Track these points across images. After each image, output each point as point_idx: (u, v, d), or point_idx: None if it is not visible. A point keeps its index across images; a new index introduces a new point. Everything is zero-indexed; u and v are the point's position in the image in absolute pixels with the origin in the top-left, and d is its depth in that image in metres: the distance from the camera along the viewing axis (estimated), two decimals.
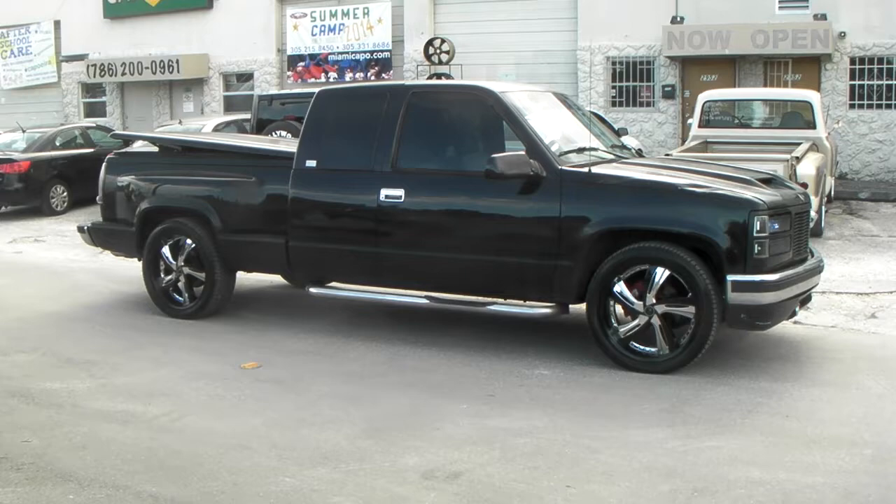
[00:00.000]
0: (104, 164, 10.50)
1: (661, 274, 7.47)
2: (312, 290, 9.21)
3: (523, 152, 7.91)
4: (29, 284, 12.15)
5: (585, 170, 7.85)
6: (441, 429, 6.30)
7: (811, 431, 6.16)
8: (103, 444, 6.08)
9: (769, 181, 8.29)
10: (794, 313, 7.92)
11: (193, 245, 9.62)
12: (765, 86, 22.13)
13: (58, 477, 5.52)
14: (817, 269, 8.21)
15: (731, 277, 7.25)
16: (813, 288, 8.21)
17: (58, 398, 7.08)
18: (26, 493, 5.29)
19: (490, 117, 8.49)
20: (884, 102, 21.77)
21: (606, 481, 5.38)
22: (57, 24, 32.21)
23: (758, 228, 7.23)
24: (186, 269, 9.73)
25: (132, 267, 10.99)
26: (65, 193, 20.72)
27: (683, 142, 19.58)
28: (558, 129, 8.73)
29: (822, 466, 5.55)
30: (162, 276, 9.88)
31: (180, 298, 9.83)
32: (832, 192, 16.67)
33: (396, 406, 6.85)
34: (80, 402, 7.00)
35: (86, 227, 10.70)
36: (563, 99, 9.74)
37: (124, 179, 10.19)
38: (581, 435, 6.13)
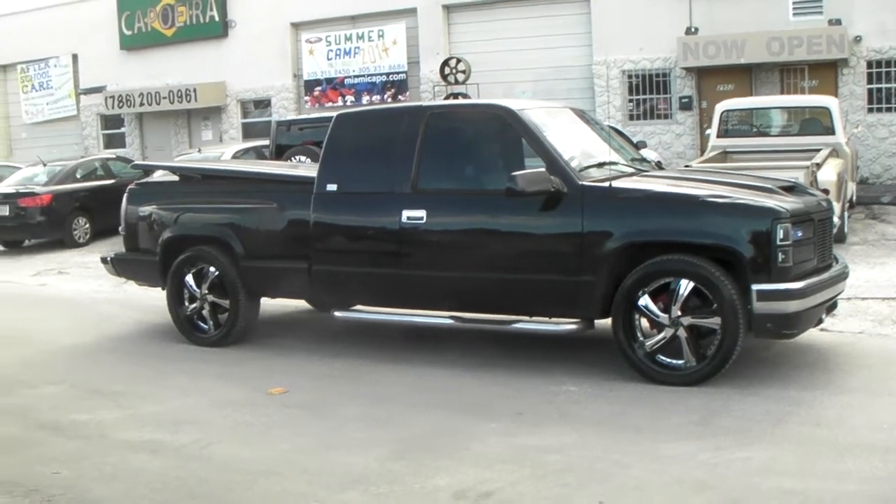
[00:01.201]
0: (125, 195, 10.54)
1: (686, 286, 7.44)
2: (337, 313, 9.21)
3: (543, 169, 7.91)
4: (54, 317, 12.20)
5: (606, 184, 7.83)
6: (470, 448, 6.28)
7: (843, 439, 6.11)
8: (132, 473, 6.09)
9: (791, 189, 8.24)
10: (820, 321, 7.87)
11: (217, 272, 9.64)
12: (781, 93, 22.05)
13: None
14: (842, 276, 8.17)
15: (755, 287, 7.21)
16: (839, 294, 8.16)
17: (86, 429, 7.10)
18: None
19: (509, 135, 8.47)
20: None
21: (638, 496, 5.35)
22: (75, 57, 32.46)
23: (781, 237, 7.20)
24: (210, 297, 9.74)
25: (156, 296, 11.01)
26: (87, 225, 20.83)
27: (702, 152, 19.53)
28: (577, 145, 8.71)
29: (856, 474, 5.50)
30: (186, 304, 9.90)
31: (205, 326, 9.85)
32: (854, 198, 16.58)
33: (424, 427, 6.84)
34: (108, 432, 7.01)
35: (109, 258, 10.75)
36: (581, 114, 9.74)
37: (146, 209, 10.24)
38: (611, 450, 6.11)
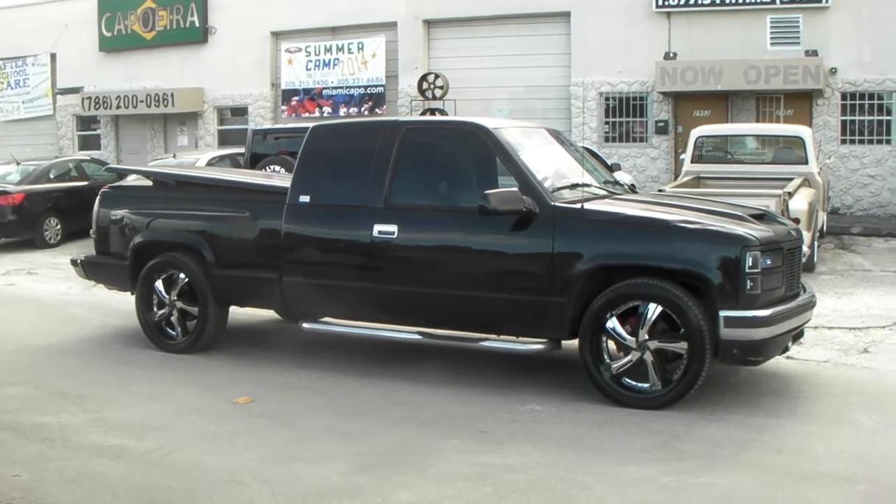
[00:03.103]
0: (98, 198, 10.51)
1: (654, 310, 7.47)
2: (305, 325, 9.19)
3: (516, 188, 7.94)
4: (22, 317, 12.12)
5: (578, 206, 7.87)
6: (433, 465, 6.29)
7: (804, 468, 6.16)
8: (94, 478, 6.07)
9: (761, 217, 8.31)
10: (786, 348, 7.93)
11: (186, 279, 9.62)
12: (757, 121, 22.25)
13: None
14: (810, 305, 8.23)
15: (723, 313, 7.26)
16: (805, 323, 8.21)
17: (49, 432, 7.06)
18: None
19: (483, 153, 8.47)
20: (875, 138, 21.91)
21: None
22: (53, 56, 32.30)
23: (750, 264, 7.25)
24: (179, 304, 9.72)
25: (125, 300, 10.97)
26: (58, 226, 20.71)
27: (676, 177, 19.61)
28: (551, 166, 8.76)
29: (816, 503, 5.53)
30: (155, 309, 9.87)
31: (173, 332, 9.81)
32: (824, 227, 16.70)
33: (389, 442, 6.84)
34: (71, 436, 6.98)
35: (79, 261, 10.70)
36: (557, 135, 9.78)
37: (118, 213, 10.21)
38: (574, 471, 6.12)
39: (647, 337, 7.51)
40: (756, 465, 6.22)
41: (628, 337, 7.58)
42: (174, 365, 9.25)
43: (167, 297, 9.76)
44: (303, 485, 5.92)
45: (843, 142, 22.06)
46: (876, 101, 21.87)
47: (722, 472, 6.11)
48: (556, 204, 7.93)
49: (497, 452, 6.53)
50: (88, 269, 10.64)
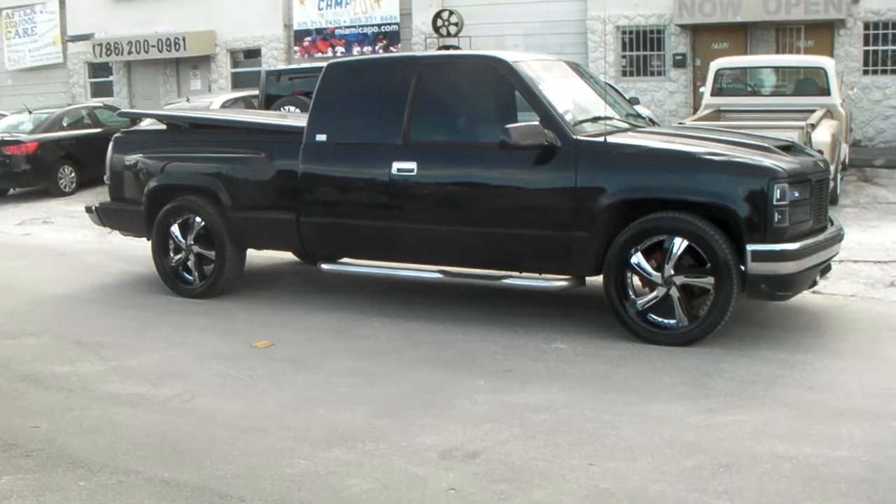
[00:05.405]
0: (111, 143, 10.42)
1: (679, 244, 7.33)
2: (324, 266, 9.12)
3: (537, 122, 7.77)
4: (38, 266, 12.10)
5: (601, 139, 7.71)
6: (458, 406, 6.19)
7: (835, 403, 6.05)
8: (114, 427, 5.99)
9: (788, 148, 8.12)
10: (814, 283, 7.79)
11: (203, 223, 9.52)
12: (777, 53, 21.88)
13: (68, 463, 5.43)
14: (837, 238, 8.06)
15: (750, 247, 7.11)
16: (833, 257, 8.05)
17: (68, 382, 6.99)
18: (36, 481, 5.19)
19: (503, 87, 8.32)
20: None
21: (629, 458, 5.27)
22: (62, 3, 32.04)
23: (777, 196, 7.08)
24: (196, 248, 9.63)
25: (141, 247, 10.92)
26: (73, 174, 20.67)
27: (695, 111, 19.40)
28: (572, 99, 8.57)
29: (849, 440, 5.43)
30: (171, 255, 9.80)
31: (190, 277, 9.74)
32: (847, 160, 16.47)
33: (412, 383, 6.75)
34: (90, 385, 6.91)
35: (94, 208, 10.63)
36: (576, 68, 9.58)
37: (132, 158, 10.09)
38: (601, 410, 6.02)
39: (672, 272, 7.37)
40: (786, 402, 6.10)
41: (653, 272, 7.45)
42: (192, 310, 9.18)
43: (183, 241, 9.67)
44: (325, 429, 5.83)
45: (866, 72, 21.68)
46: None
47: (752, 409, 6.00)
48: (579, 137, 7.76)
49: (523, 392, 6.43)
50: (103, 215, 10.56)
